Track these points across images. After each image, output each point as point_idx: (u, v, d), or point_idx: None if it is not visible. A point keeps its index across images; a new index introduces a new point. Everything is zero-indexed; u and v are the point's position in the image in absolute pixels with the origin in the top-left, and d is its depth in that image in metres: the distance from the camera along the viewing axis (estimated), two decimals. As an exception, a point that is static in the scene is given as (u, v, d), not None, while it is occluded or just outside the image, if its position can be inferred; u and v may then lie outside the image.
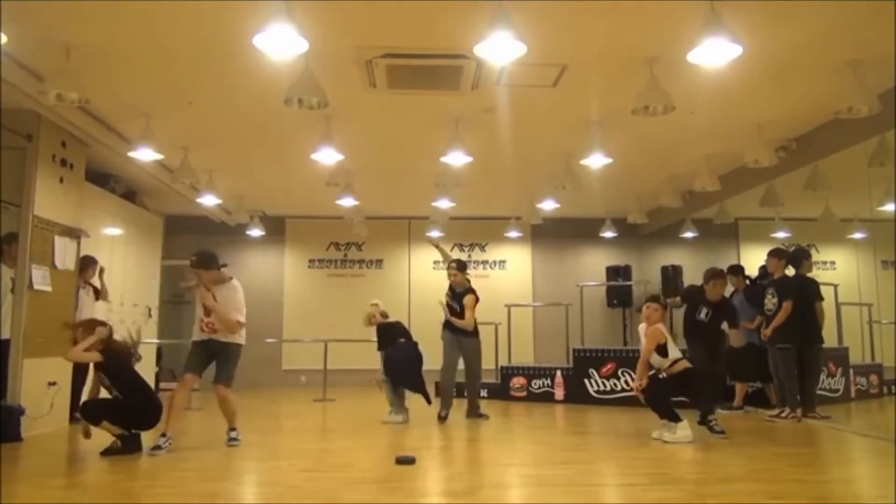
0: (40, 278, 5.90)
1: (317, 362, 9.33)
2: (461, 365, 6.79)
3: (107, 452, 4.70)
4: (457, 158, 6.49)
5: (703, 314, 6.40)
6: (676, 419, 5.29)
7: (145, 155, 6.43)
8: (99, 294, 7.20)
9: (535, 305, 11.15)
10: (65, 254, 6.32)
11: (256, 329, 5.91)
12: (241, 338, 5.38)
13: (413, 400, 6.68)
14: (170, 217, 10.72)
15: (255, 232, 10.99)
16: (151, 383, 9.19)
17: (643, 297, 11.37)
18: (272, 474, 4.30)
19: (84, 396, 5.60)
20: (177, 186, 8.19)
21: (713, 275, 6.42)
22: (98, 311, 7.36)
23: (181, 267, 11.06)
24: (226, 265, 5.58)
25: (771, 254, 7.09)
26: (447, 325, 6.79)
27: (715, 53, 4.16)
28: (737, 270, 7.86)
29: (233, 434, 5.34)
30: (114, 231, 8.16)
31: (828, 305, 7.40)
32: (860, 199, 8.42)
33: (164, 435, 4.92)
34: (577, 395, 8.26)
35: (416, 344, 6.74)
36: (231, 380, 5.37)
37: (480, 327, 9.57)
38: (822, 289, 7.07)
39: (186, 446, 5.28)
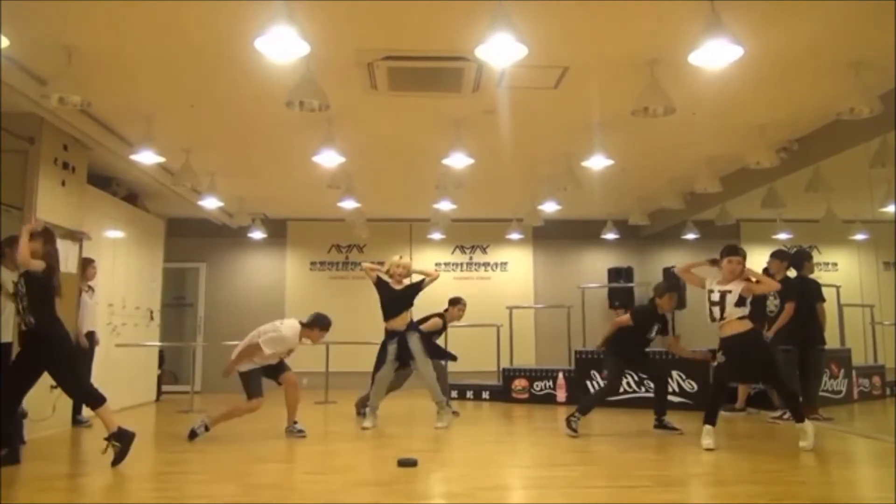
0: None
1: (318, 365, 9.33)
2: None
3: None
4: (458, 160, 6.49)
5: (653, 332, 6.06)
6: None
7: (147, 158, 6.44)
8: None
9: (536, 307, 11.14)
10: (66, 257, 6.32)
11: (258, 331, 5.94)
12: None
13: (414, 401, 6.67)
14: (171, 220, 10.73)
15: (257, 234, 11.01)
16: (154, 387, 9.30)
17: (645, 299, 11.38)
18: (274, 476, 4.30)
19: None
20: (178, 189, 8.20)
21: (667, 288, 6.03)
22: (99, 312, 7.39)
23: (183, 269, 11.18)
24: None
25: (773, 255, 7.08)
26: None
27: (716, 55, 4.15)
28: None
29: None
30: (115, 234, 8.16)
31: (830, 307, 7.38)
32: (862, 201, 8.40)
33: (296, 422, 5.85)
34: (579, 397, 8.24)
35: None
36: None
37: (479, 329, 9.62)
38: (824, 290, 7.07)
39: (188, 448, 5.28)
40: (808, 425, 5.05)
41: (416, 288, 6.49)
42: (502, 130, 6.69)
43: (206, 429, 5.68)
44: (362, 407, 6.79)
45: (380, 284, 6.45)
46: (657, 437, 5.71)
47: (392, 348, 6.35)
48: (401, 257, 6.67)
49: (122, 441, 4.49)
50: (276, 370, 5.88)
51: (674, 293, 6.04)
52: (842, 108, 5.21)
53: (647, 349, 6.41)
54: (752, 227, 11.43)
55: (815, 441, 5.02)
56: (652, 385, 6.45)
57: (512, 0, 3.90)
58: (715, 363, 5.36)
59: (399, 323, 6.37)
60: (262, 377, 5.79)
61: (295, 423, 5.90)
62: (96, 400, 4.60)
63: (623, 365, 6.23)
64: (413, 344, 6.34)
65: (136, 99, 5.87)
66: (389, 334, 6.42)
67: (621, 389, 8.01)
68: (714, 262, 5.29)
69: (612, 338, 6.15)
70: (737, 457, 4.87)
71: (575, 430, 5.75)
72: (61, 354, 4.56)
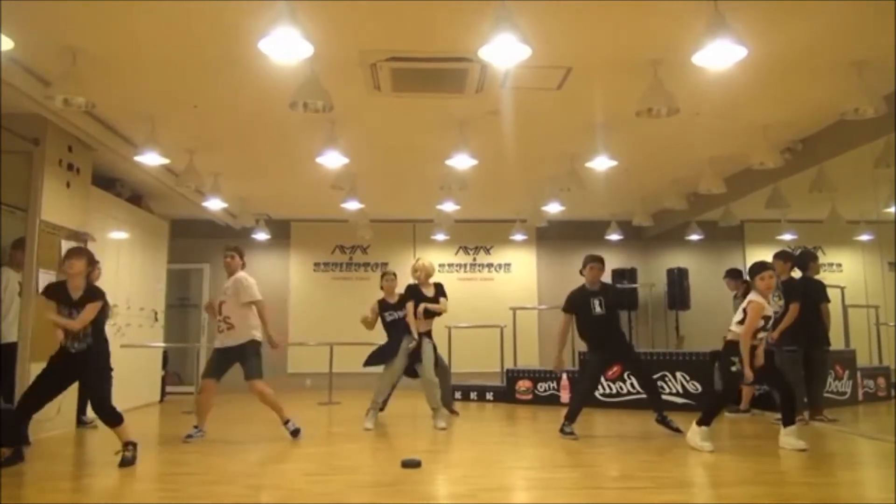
0: (45, 283, 5.92)
1: (322, 365, 9.34)
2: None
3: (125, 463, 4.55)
4: (461, 161, 6.49)
5: (597, 307, 5.98)
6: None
7: (151, 159, 6.46)
8: None
9: (540, 308, 11.14)
10: (71, 258, 6.33)
11: (261, 332, 5.95)
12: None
13: (416, 402, 6.68)
14: (175, 221, 10.74)
15: (261, 235, 11.02)
16: (158, 388, 9.32)
17: (649, 300, 11.25)
18: (277, 477, 4.30)
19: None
20: (182, 190, 8.22)
21: (588, 259, 6.03)
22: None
23: (187, 270, 11.20)
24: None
25: (776, 256, 7.06)
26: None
27: (720, 55, 4.15)
28: (735, 275, 7.89)
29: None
30: (120, 235, 8.18)
31: (834, 308, 7.36)
32: (866, 201, 8.39)
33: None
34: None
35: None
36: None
37: (483, 330, 9.59)
38: (829, 291, 7.05)
39: (192, 449, 5.29)
40: (793, 430, 5.07)
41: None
42: (506, 131, 6.69)
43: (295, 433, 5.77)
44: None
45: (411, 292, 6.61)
46: (659, 439, 5.70)
47: (407, 342, 6.43)
48: (417, 260, 6.78)
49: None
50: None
51: (595, 263, 6.01)
52: (846, 109, 5.21)
53: (625, 338, 6.33)
54: (756, 228, 11.42)
55: (803, 442, 5.02)
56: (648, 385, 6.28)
57: (515, 1, 3.90)
58: (734, 369, 5.23)
59: (422, 326, 6.48)
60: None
61: (287, 421, 5.82)
62: (116, 419, 4.68)
63: (604, 358, 6.12)
64: (426, 349, 6.42)
65: (140, 100, 5.88)
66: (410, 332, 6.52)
67: (624, 390, 8.01)
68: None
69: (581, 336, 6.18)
70: (740, 458, 4.86)
71: (572, 434, 5.72)
72: (102, 371, 4.81)
